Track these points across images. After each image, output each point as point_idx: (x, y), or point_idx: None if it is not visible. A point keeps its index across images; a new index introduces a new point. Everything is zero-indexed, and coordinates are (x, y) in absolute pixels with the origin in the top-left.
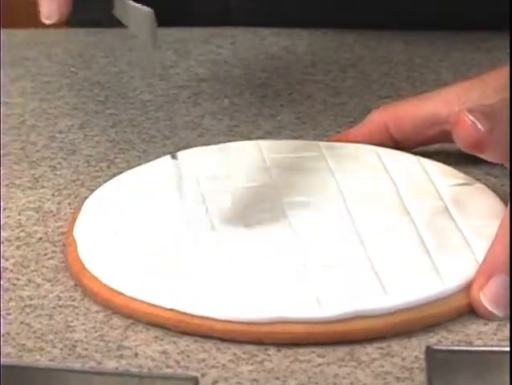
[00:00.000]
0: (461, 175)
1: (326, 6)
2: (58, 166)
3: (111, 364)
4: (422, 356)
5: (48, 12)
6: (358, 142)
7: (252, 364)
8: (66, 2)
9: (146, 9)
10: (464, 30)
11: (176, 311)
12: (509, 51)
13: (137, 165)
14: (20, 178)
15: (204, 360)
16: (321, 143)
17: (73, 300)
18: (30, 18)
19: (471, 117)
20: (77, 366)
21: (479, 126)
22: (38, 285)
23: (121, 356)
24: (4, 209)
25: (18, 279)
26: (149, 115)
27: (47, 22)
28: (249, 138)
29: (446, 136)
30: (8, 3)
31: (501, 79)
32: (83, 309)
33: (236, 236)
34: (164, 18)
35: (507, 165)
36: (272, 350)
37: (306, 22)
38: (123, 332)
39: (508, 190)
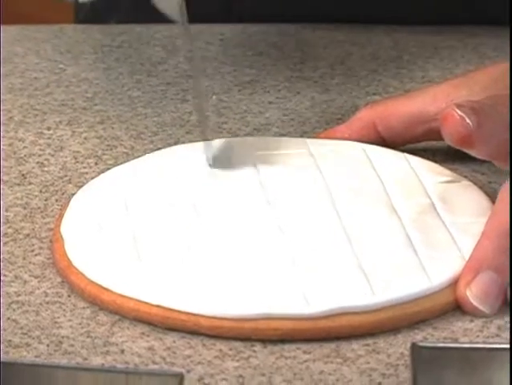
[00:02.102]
0: (448, 172)
1: (328, 2)
2: (45, 162)
3: (97, 360)
4: (408, 353)
5: None
6: (345, 139)
7: (238, 360)
8: None
9: None
10: (452, 26)
11: (163, 307)
12: (508, 50)
13: (125, 162)
14: (8, 174)
15: (190, 356)
16: (309, 140)
17: (60, 296)
18: (19, 15)
19: (459, 112)
20: (63, 362)
21: (467, 121)
22: (25, 282)
23: (107, 352)
24: None
25: (4, 275)
26: (137, 112)
27: None
28: (237, 135)
29: (434, 134)
30: None
31: (489, 78)
32: (70, 305)
33: (222, 232)
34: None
35: (495, 162)
36: (258, 347)
37: (303, 17)
38: (110, 328)
39: (510, 188)
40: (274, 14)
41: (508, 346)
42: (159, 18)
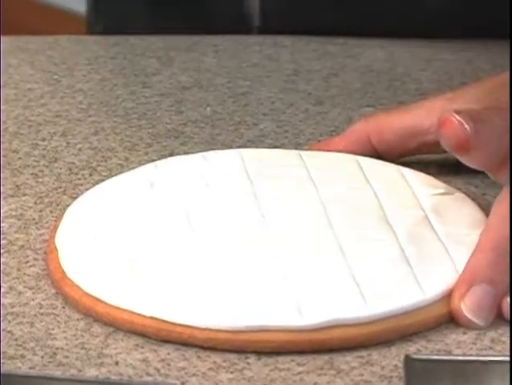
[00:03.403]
0: (442, 184)
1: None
2: (40, 174)
3: (91, 372)
4: (401, 365)
5: None
6: (339, 151)
7: (232, 372)
8: None
9: None
10: (445, 39)
11: (157, 319)
12: (501, 62)
13: (119, 173)
14: (2, 186)
15: (184, 368)
16: (302, 152)
17: (54, 308)
18: (14, 25)
19: (458, 117)
20: (58, 373)
21: (466, 126)
22: (20, 293)
23: (102, 364)
24: None
25: None
26: (131, 123)
27: None
28: (231, 146)
29: (428, 147)
30: None
31: (482, 91)
32: (64, 316)
33: (216, 244)
34: (184, 26)
35: (487, 172)
36: (252, 359)
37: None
38: (104, 340)
39: (510, 197)
40: (291, 24)
41: (501, 358)
42: (174, 27)
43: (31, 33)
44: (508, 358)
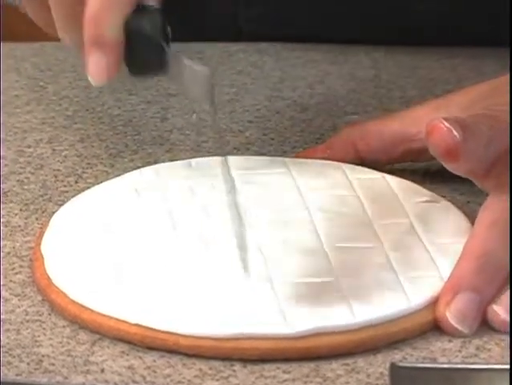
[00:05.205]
0: (427, 192)
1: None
2: (26, 180)
3: (77, 379)
4: (387, 372)
5: (96, 72)
6: (325, 159)
7: (218, 380)
8: (115, 60)
9: (203, 69)
10: (430, 47)
11: (143, 326)
12: (484, 70)
13: (105, 180)
14: None
15: (169, 375)
16: (288, 160)
17: (40, 315)
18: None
19: (447, 124)
20: (44, 380)
21: (455, 133)
22: (6, 300)
23: (88, 371)
24: None
25: None
26: (117, 130)
27: (95, 83)
28: (217, 154)
29: (413, 155)
30: None
31: (468, 99)
32: (50, 324)
33: (202, 252)
34: (177, 34)
35: (473, 179)
36: (238, 366)
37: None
38: (90, 347)
39: (511, 202)
40: (283, 32)
41: (486, 366)
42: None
43: (21, 40)
44: (493, 367)
